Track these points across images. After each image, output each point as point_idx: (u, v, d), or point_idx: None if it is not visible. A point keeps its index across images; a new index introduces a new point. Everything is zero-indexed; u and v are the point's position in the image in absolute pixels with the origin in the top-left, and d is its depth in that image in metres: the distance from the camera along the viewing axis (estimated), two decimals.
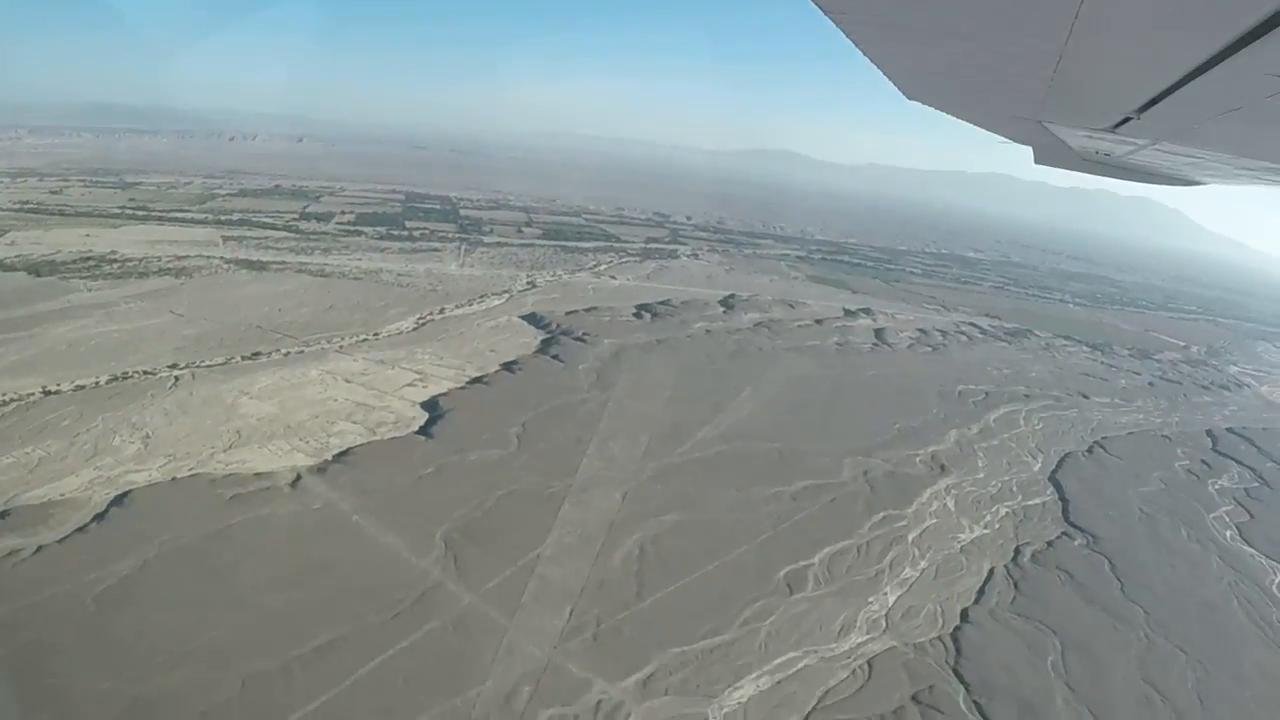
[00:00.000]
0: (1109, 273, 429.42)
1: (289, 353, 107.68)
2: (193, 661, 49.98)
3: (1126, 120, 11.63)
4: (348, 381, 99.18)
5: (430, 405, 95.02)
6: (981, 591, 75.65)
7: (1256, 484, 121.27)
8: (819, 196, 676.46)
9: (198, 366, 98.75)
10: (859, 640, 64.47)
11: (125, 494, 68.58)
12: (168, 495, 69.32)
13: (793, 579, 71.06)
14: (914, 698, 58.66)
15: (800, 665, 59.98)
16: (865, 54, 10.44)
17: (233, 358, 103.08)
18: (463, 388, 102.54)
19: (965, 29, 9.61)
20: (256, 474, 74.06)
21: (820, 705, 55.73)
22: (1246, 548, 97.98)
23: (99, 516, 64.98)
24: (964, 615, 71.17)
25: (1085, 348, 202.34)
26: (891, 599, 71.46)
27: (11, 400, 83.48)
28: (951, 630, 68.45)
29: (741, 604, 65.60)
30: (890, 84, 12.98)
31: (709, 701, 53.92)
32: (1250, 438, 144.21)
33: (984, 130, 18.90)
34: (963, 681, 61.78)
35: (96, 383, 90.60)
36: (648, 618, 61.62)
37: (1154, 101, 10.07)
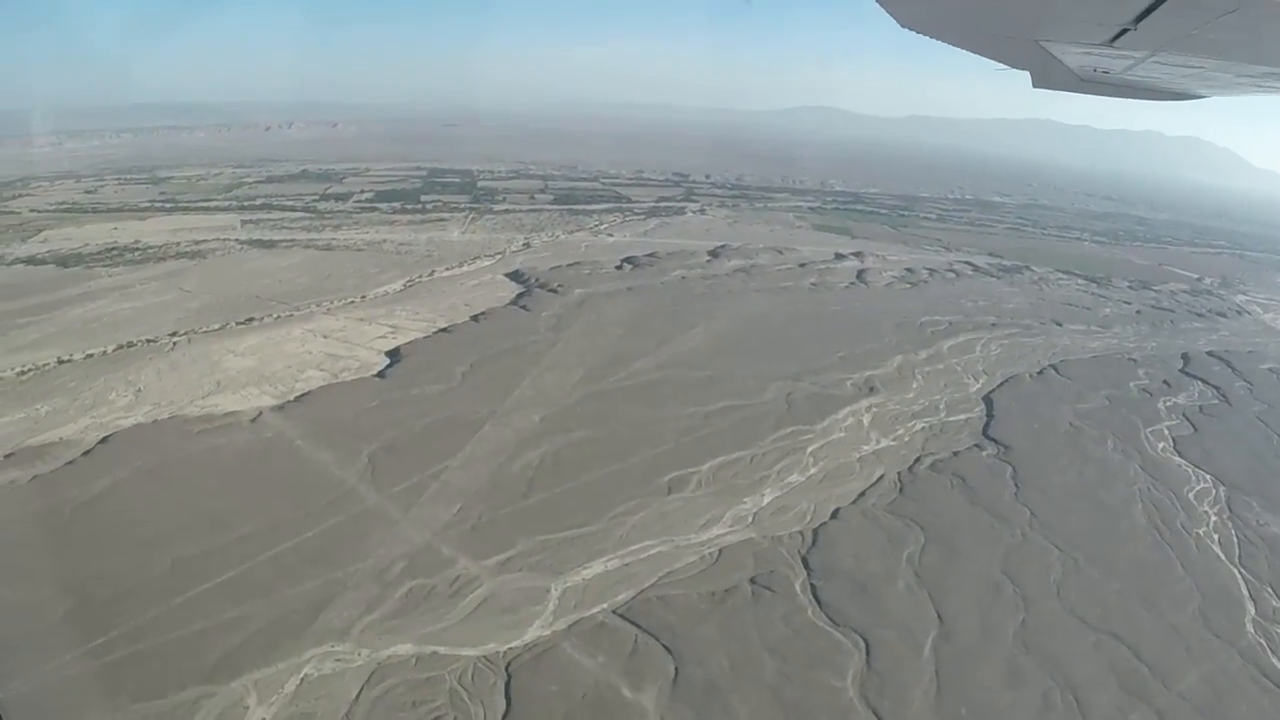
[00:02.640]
0: (1141, 211, 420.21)
1: (279, 317, 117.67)
2: (136, 549, 61.23)
3: (1124, 32, 11.77)
4: (325, 337, 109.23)
5: (394, 353, 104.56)
6: (863, 494, 79.89)
7: (1216, 401, 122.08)
8: (852, 148, 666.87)
9: (195, 333, 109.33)
10: (719, 533, 70.34)
11: (112, 435, 79.76)
12: (146, 433, 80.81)
13: (676, 483, 77.60)
14: (752, 579, 64.19)
15: (653, 551, 66.64)
16: None
17: (228, 324, 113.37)
18: (428, 337, 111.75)
19: None
20: (226, 414, 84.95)
21: (658, 583, 62.61)
22: (1176, 458, 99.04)
23: (87, 452, 76.20)
24: (835, 514, 75.65)
25: (1081, 280, 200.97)
26: (767, 499, 76.82)
27: (30, 370, 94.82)
28: (816, 525, 73.18)
29: (617, 502, 72.80)
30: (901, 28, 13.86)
31: (556, 577, 62.03)
32: (1229, 359, 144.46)
33: (980, 57, 18.61)
34: (807, 567, 66.65)
35: (104, 351, 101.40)
36: (526, 513, 70.23)
37: (1150, 9, 10.45)
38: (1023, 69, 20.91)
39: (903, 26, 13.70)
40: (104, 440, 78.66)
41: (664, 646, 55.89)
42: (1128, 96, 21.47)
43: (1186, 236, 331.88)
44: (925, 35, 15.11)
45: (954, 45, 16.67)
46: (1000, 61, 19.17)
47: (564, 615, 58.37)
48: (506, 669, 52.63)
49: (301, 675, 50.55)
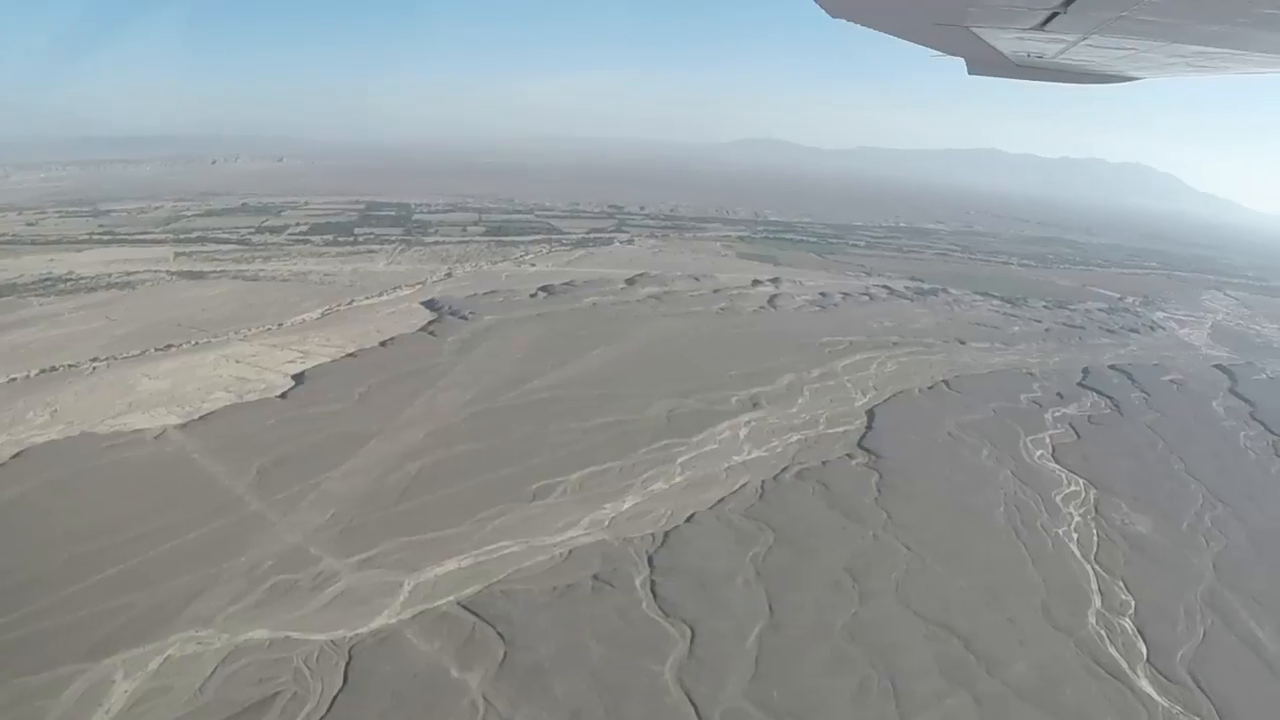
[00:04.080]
0: (1076, 236, 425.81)
1: (198, 343, 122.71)
2: (36, 548, 67.12)
3: (1054, 16, 11.80)
4: (238, 362, 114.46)
5: (299, 376, 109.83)
6: (722, 500, 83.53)
7: (1108, 411, 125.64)
8: (793, 180, 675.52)
9: (116, 359, 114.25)
10: (574, 534, 74.74)
11: (25, 450, 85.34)
12: (58, 448, 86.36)
13: (542, 491, 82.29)
14: (595, 576, 68.43)
15: (507, 551, 71.22)
16: None
17: (147, 350, 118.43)
18: (335, 361, 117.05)
19: None
20: (133, 431, 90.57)
21: (505, 579, 67.67)
22: (1052, 464, 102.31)
23: (1, 465, 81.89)
24: (690, 518, 79.40)
25: (997, 301, 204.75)
26: (627, 505, 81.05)
27: None
28: (669, 528, 76.99)
29: (483, 508, 77.70)
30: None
31: (411, 573, 67.43)
32: (1130, 372, 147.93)
33: (914, 44, 18.32)
34: (651, 565, 70.66)
35: (28, 375, 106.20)
36: (395, 518, 75.80)
37: None
38: (957, 55, 20.88)
39: (833, 16, 13.71)
40: (17, 455, 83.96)
41: (499, 634, 60.90)
42: (1062, 81, 21.75)
43: (1118, 258, 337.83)
44: (855, 23, 15.13)
45: (885, 33, 16.61)
46: (934, 48, 19.12)
47: (411, 606, 63.61)
48: (349, 652, 58.12)
49: (165, 655, 56.21)
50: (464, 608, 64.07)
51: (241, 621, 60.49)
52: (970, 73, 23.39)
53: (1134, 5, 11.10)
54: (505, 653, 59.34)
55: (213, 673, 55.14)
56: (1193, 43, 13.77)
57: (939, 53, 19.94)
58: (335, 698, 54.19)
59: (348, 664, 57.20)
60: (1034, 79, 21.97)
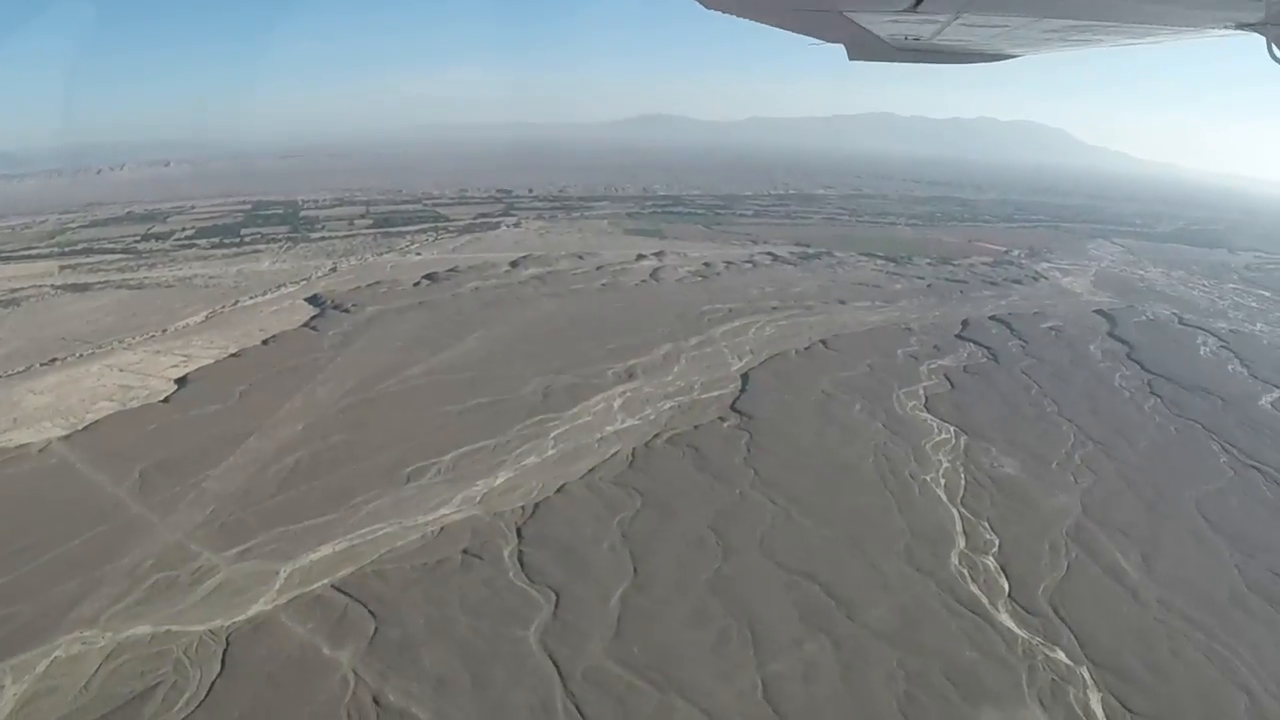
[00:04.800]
0: (966, 194, 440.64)
1: (82, 355, 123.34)
2: None
3: None
4: (121, 371, 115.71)
5: (182, 380, 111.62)
6: (593, 469, 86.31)
7: (984, 360, 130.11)
8: (686, 153, 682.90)
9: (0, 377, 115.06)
10: (446, 513, 77.28)
11: None
12: None
13: (416, 474, 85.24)
14: (464, 550, 70.97)
15: (381, 533, 73.75)
16: None
17: (32, 365, 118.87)
18: (218, 362, 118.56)
19: None
20: (18, 446, 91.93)
21: (378, 559, 70.91)
22: (923, 414, 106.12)
23: None
24: (561, 488, 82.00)
25: (881, 261, 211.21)
26: (499, 481, 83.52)
27: None
28: (539, 500, 79.64)
29: (357, 495, 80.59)
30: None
31: (286, 561, 70.47)
32: (1010, 322, 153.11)
33: (790, 33, 18.11)
34: (520, 536, 73.30)
35: None
36: (272, 510, 78.69)
37: None
38: (836, 42, 20.51)
39: (708, 8, 13.40)
40: None
41: (370, 612, 64.30)
42: (943, 62, 21.41)
43: (1006, 213, 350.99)
44: (732, 15, 14.79)
45: (763, 23, 16.47)
46: (812, 36, 18.95)
47: (287, 592, 66.83)
48: (227, 640, 61.30)
49: (52, 658, 59.00)
50: (337, 589, 67.10)
51: (124, 620, 63.22)
52: (851, 58, 23.04)
53: None
54: (375, 629, 62.53)
55: (97, 670, 57.94)
56: (1064, 17, 14.11)
57: (818, 41, 19.85)
58: (213, 684, 57.20)
59: (225, 651, 60.21)
60: (914, 61, 21.42)
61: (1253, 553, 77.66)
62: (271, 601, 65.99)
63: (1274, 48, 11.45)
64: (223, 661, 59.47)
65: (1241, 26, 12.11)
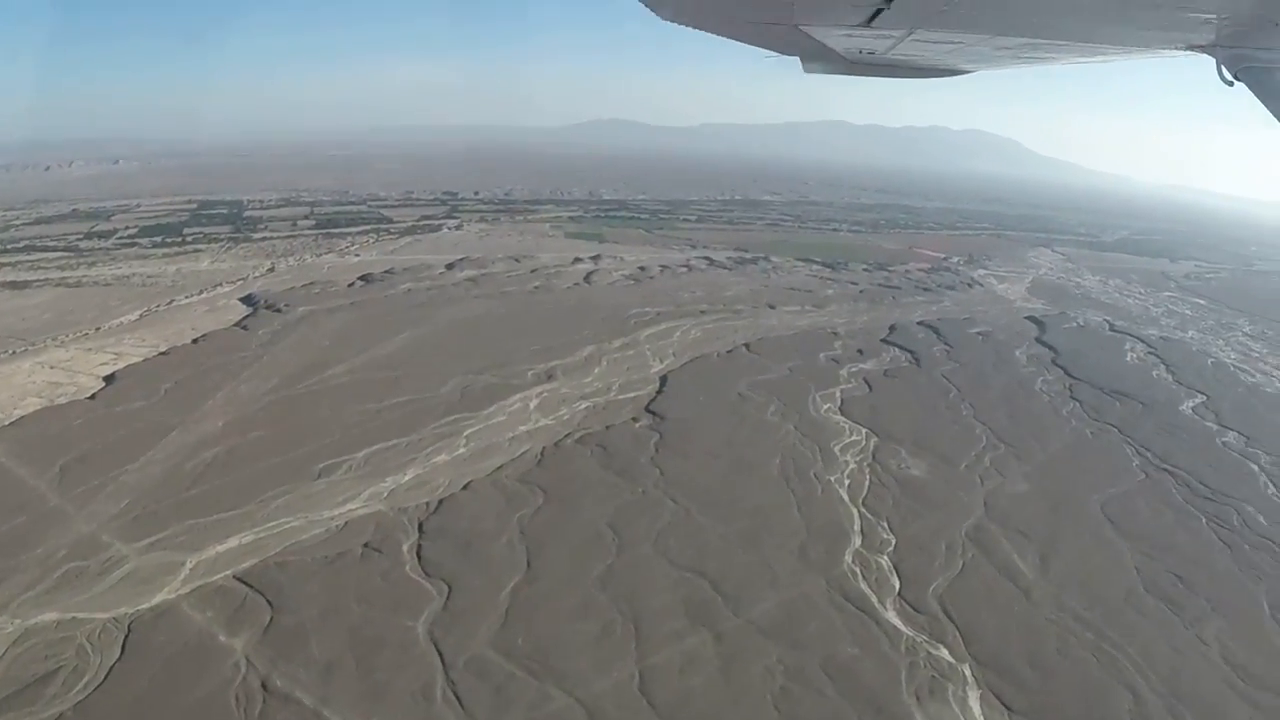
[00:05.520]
0: (913, 201, 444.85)
1: (14, 353, 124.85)
2: None
3: (879, 12, 11.95)
4: (52, 368, 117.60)
5: (110, 377, 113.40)
6: (501, 467, 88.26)
7: (906, 364, 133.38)
8: (635, 159, 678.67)
9: None
10: (353, 508, 79.23)
11: None
12: None
13: (328, 470, 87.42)
14: (365, 544, 73.23)
15: (286, 527, 75.75)
16: None
17: None
18: (147, 360, 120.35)
19: None
20: None
21: (281, 552, 73.68)
22: (837, 416, 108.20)
23: None
24: (467, 485, 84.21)
25: (817, 266, 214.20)
26: (408, 477, 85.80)
27: None
28: (444, 496, 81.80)
29: (269, 489, 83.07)
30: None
31: (193, 553, 73.21)
32: (937, 327, 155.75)
33: (747, 45, 17.69)
34: (421, 531, 75.56)
35: None
36: (185, 503, 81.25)
37: None
38: (792, 55, 20.56)
39: (664, 19, 13.63)
40: None
41: (267, 601, 67.31)
42: (897, 76, 21.50)
43: (950, 221, 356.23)
44: (687, 26, 14.95)
45: (718, 35, 16.22)
46: (768, 49, 18.89)
47: (191, 582, 69.72)
48: (129, 626, 64.26)
49: None
50: (239, 580, 70.07)
51: (33, 607, 66.08)
52: (805, 71, 22.95)
53: (955, 1, 11.68)
54: (271, 618, 65.53)
55: (3, 654, 60.79)
56: (1016, 34, 14.28)
57: (773, 54, 19.81)
58: (112, 668, 60.17)
59: (126, 638, 63.11)
60: (868, 75, 21.83)
61: (1154, 554, 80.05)
62: (175, 591, 68.72)
63: (1223, 69, 12.27)
64: (123, 647, 62.27)
65: (1192, 48, 12.90)
